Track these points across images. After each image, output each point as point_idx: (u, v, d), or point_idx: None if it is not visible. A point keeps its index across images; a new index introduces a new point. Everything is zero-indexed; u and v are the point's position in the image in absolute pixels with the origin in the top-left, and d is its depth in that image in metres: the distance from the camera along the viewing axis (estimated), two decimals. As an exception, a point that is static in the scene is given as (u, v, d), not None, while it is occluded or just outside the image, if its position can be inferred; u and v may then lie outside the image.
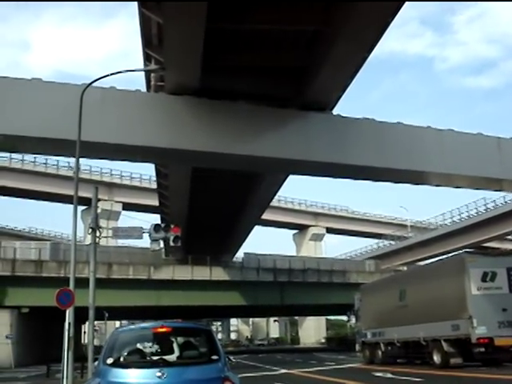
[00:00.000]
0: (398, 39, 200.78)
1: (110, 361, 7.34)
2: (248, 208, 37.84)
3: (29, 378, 26.82)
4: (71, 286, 17.51)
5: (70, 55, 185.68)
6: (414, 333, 22.81)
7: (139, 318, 57.62)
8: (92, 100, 20.38)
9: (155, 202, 45.43)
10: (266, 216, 47.31)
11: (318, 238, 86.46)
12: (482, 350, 19.45)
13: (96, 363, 8.76)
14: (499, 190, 35.16)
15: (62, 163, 63.53)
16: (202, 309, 52.94)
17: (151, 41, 21.30)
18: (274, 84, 24.23)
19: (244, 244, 50.90)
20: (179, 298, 45.57)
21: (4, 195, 67.30)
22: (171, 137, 23.30)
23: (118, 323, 70.78)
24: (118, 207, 68.65)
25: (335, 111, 26.04)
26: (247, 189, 33.98)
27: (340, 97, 25.14)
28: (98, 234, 19.90)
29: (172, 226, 21.21)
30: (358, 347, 29.94)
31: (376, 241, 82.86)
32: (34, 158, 62.67)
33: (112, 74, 19.85)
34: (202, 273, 46.10)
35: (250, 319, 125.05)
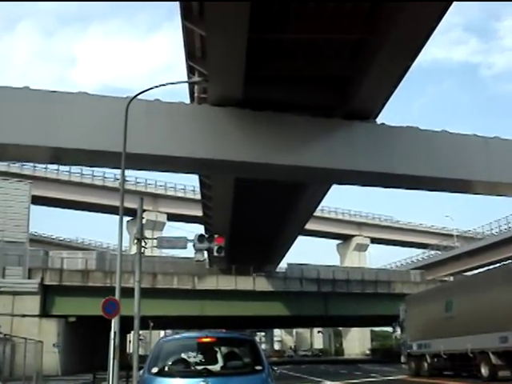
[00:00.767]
0: (442, 46, 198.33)
1: (154, 370, 7.41)
2: (291, 218, 37.76)
3: (76, 385, 27.21)
4: (117, 296, 17.69)
5: (115, 69, 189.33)
6: (461, 345, 22.35)
7: (183, 327, 58.03)
8: (137, 112, 20.66)
9: (199, 213, 45.75)
10: (309, 226, 47.11)
11: (362, 248, 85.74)
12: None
13: (141, 372, 8.84)
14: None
15: (108, 175, 64.87)
16: (245, 319, 52.90)
17: (194, 53, 21.54)
18: (317, 94, 24.18)
19: (287, 254, 50.84)
20: (223, 308, 45.62)
21: (52, 206, 68.83)
22: (215, 148, 23.45)
23: (162, 333, 71.41)
24: (163, 218, 69.48)
25: (379, 120, 25.89)
26: (290, 199, 33.93)
27: (384, 105, 24.96)
28: (143, 244, 20.10)
29: (216, 237, 21.25)
30: (403, 359, 29.47)
31: (421, 251, 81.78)
32: (81, 169, 64.00)
33: (156, 87, 20.11)
34: (245, 283, 46.10)
35: (294, 330, 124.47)
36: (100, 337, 33.18)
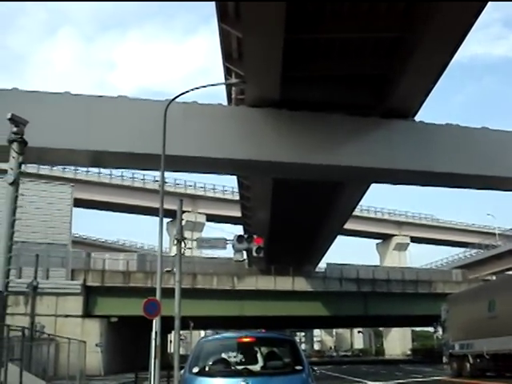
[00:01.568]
0: (481, 42, 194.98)
1: (195, 370, 7.48)
2: (330, 218, 37.61)
3: (118, 385, 27.58)
4: (157, 296, 17.88)
5: (153, 72, 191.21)
6: (505, 345, 21.93)
7: (223, 327, 58.19)
8: (175, 115, 20.85)
9: (238, 213, 45.89)
10: (348, 226, 46.82)
11: (402, 247, 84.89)
12: None
13: (182, 372, 8.94)
14: None
15: (148, 177, 65.48)
16: (284, 319, 52.85)
17: (231, 55, 21.67)
18: (354, 92, 24.08)
19: (326, 254, 50.63)
20: (262, 308, 45.71)
21: (94, 208, 69.83)
22: (252, 149, 23.55)
23: (202, 333, 71.87)
24: (202, 218, 69.87)
25: (417, 118, 25.64)
26: (329, 199, 33.79)
27: (422, 103, 24.72)
28: (182, 245, 20.30)
29: (255, 237, 21.34)
30: (445, 359, 29.07)
31: (462, 250, 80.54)
32: (122, 172, 64.87)
33: (194, 89, 20.22)
34: (284, 283, 46.11)
35: (334, 330, 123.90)
36: (142, 337, 33.58)
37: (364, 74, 23.60)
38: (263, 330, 9.94)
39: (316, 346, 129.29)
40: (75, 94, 23.21)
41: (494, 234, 77.18)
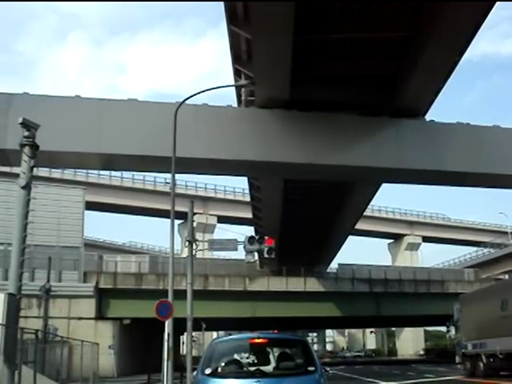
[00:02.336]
0: (490, 41, 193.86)
1: (208, 371, 7.48)
2: (341, 218, 37.58)
3: (131, 386, 27.67)
4: (170, 298, 17.93)
5: (162, 75, 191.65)
6: (518, 344, 21.85)
7: (235, 328, 58.30)
8: (185, 117, 20.93)
9: (249, 215, 45.94)
10: (359, 226, 46.78)
11: (413, 247, 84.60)
12: None
13: (194, 373, 8.96)
14: None
15: (159, 179, 65.68)
16: (296, 320, 52.84)
17: (240, 57, 21.70)
18: (363, 92, 24.04)
19: (338, 254, 50.58)
20: (274, 309, 45.71)
21: (105, 211, 70.13)
22: (262, 150, 23.57)
23: (215, 334, 71.94)
24: (213, 220, 69.98)
25: (428, 117, 25.54)
26: (340, 199, 33.77)
27: (432, 102, 24.64)
28: (194, 246, 20.33)
29: (266, 238, 21.35)
30: (458, 359, 28.95)
31: (474, 249, 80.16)
32: (133, 175, 65.02)
33: (205, 91, 20.24)
34: (296, 284, 46.07)
35: (346, 330, 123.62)
36: (154, 338, 33.69)
37: (374, 73, 23.54)
38: (275, 331, 9.94)
39: (328, 347, 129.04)
40: (86, 98, 23.34)
41: (507, 233, 76.74)
